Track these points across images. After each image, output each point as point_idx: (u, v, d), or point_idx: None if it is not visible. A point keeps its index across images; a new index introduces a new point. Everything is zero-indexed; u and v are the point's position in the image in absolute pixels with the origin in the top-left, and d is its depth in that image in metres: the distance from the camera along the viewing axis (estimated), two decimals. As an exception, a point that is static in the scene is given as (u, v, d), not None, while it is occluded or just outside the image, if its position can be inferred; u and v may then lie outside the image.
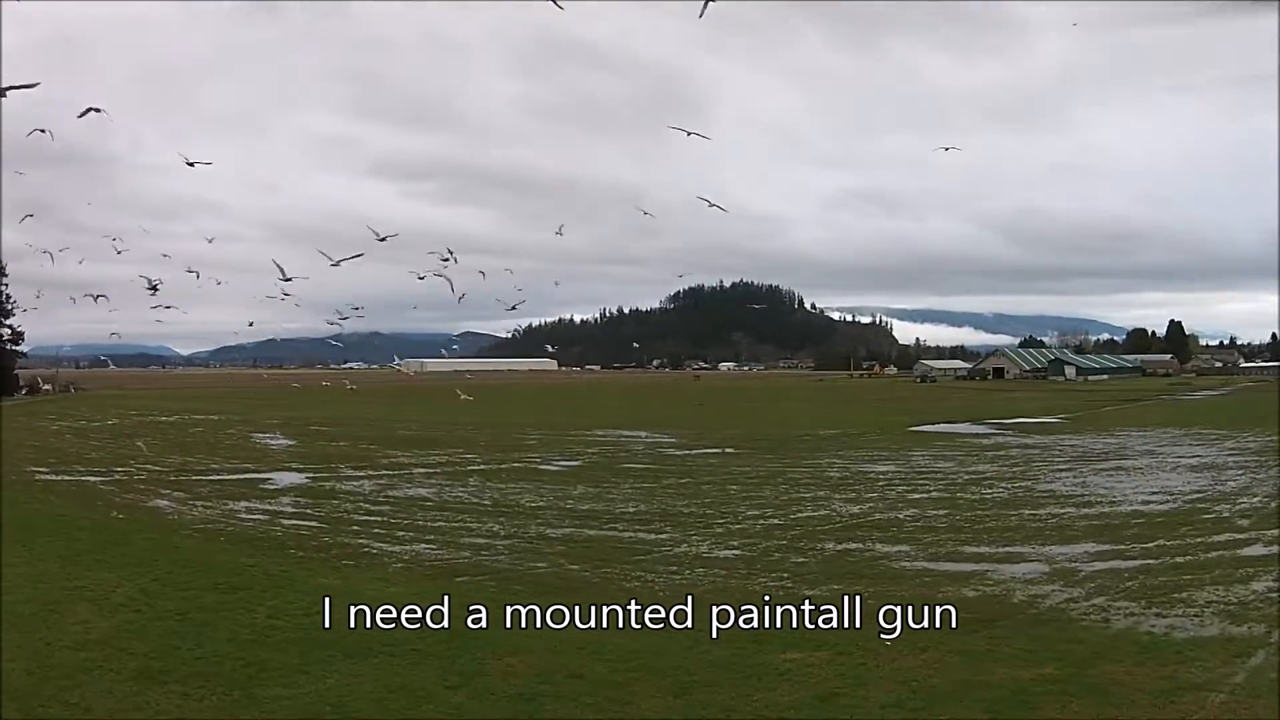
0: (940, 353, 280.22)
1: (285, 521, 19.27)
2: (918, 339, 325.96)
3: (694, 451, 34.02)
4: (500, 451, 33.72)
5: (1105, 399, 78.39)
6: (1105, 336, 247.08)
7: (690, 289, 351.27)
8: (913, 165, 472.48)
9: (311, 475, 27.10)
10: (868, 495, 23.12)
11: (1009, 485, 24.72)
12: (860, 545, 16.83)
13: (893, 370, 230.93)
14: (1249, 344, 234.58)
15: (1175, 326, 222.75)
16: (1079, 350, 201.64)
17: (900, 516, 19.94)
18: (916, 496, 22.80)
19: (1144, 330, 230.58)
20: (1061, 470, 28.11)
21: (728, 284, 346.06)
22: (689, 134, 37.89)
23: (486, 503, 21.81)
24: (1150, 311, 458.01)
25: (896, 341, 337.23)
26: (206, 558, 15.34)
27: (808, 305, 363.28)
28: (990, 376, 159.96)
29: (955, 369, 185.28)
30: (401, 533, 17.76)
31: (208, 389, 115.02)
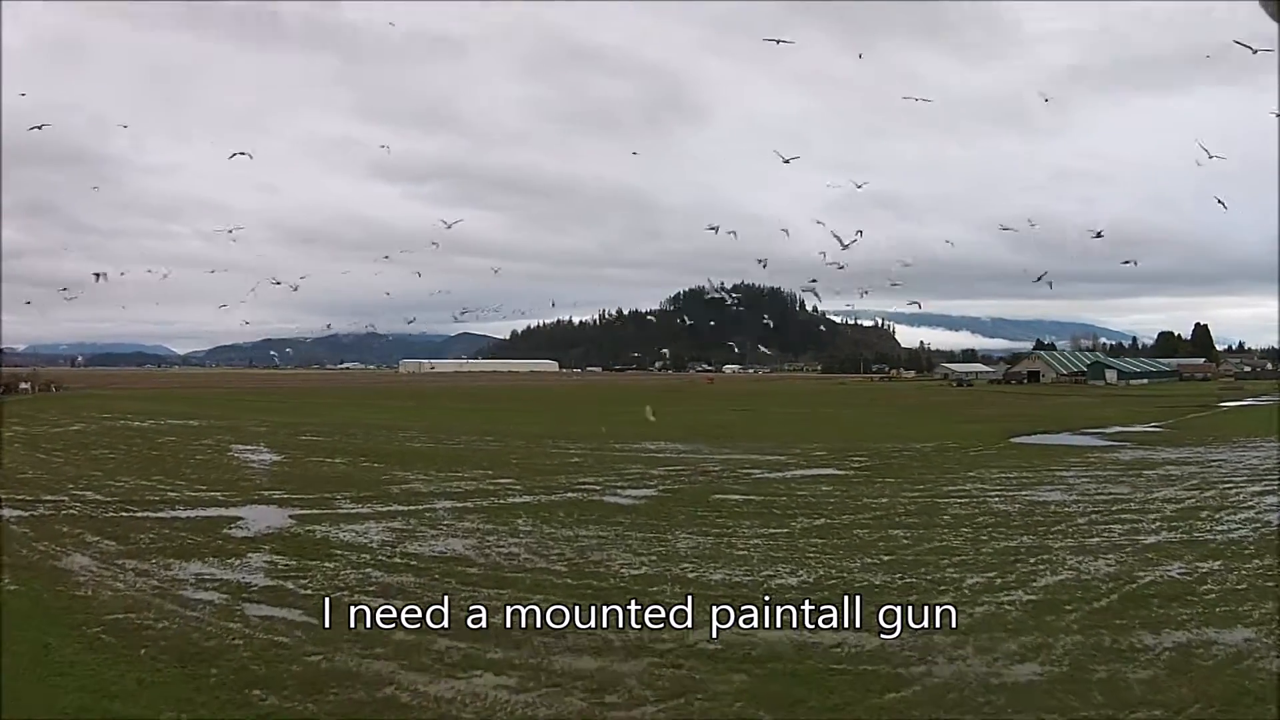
0: (951, 356, 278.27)
1: (252, 609, 12.05)
2: (922, 342, 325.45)
3: (791, 474, 26.74)
4: (542, 475, 26.28)
5: (1173, 404, 71.60)
6: (1111, 341, 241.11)
7: (690, 290, 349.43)
8: (913, 169, 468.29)
9: (298, 513, 19.69)
10: (1087, 539, 17.00)
11: (1231, 513, 19.69)
12: (1195, 633, 10.97)
13: (911, 374, 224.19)
14: (1256, 349, 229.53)
15: (1201, 330, 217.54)
16: (1117, 354, 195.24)
17: (1173, 574, 14.12)
18: (1149, 540, 16.90)
19: (1171, 333, 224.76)
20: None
21: (729, 285, 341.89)
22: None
23: (561, 567, 14.52)
24: (1149, 316, 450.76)
25: (899, 344, 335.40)
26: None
27: (809, 308, 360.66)
28: (1025, 380, 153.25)
29: (979, 372, 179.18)
30: (447, 642, 10.40)
31: (194, 389, 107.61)
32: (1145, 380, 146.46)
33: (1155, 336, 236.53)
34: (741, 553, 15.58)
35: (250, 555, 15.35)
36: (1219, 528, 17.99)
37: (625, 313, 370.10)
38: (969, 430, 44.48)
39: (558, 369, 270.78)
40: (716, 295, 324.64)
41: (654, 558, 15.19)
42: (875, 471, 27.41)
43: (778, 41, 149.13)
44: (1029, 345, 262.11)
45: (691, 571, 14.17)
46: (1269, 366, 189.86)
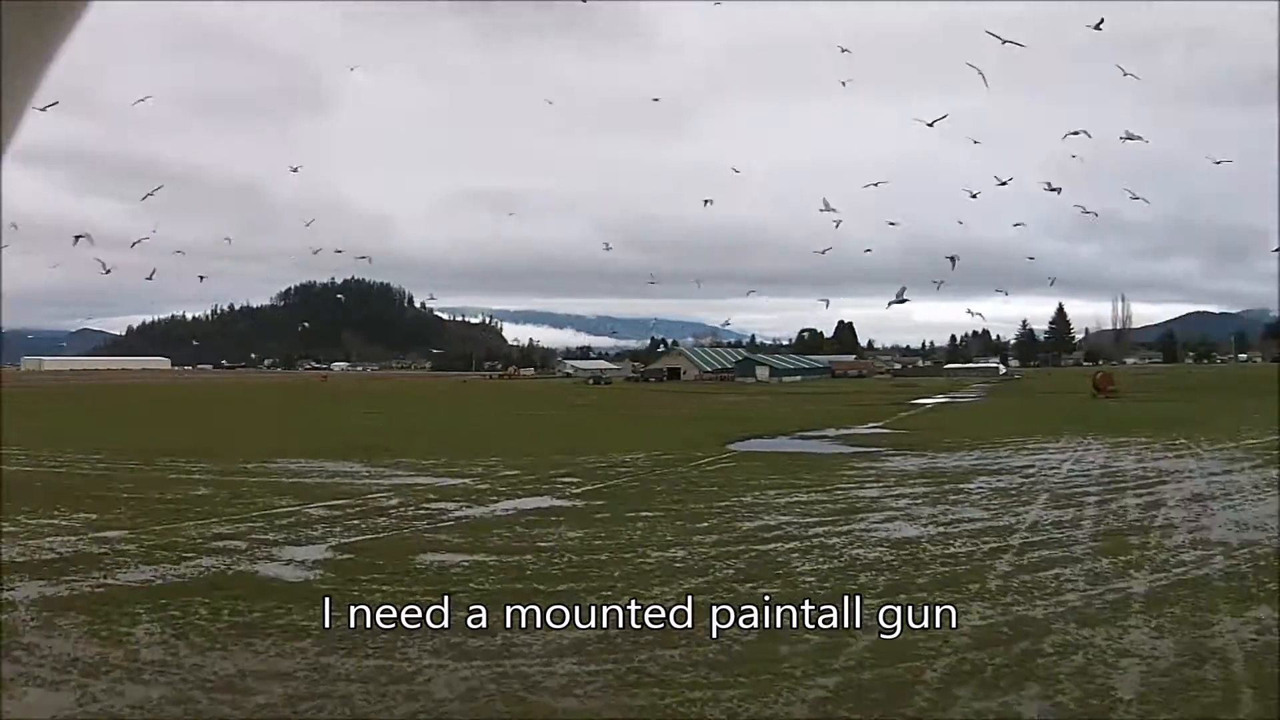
0: (568, 353, 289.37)
1: None
2: (532, 339, 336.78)
3: (501, 508, 20.82)
4: (162, 521, 18.39)
5: (861, 403, 72.57)
6: (730, 340, 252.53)
7: (301, 286, 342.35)
8: (534, 166, 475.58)
9: None
10: (1069, 601, 12.66)
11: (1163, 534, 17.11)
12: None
13: (530, 371, 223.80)
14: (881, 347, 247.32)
15: (846, 327, 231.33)
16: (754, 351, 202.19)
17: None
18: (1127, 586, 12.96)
19: (816, 331, 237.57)
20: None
21: (339, 281, 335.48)
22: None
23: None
24: (762, 316, 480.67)
25: (506, 341, 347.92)
26: None
27: (417, 304, 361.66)
28: (666, 377, 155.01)
29: (608, 370, 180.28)
30: None
31: None
32: (799, 377, 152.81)
33: (771, 337, 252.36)
34: (546, 688, 9.26)
35: None
36: (1183, 556, 14.83)
37: (238, 308, 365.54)
38: (675, 436, 40.23)
39: (170, 366, 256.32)
40: (328, 291, 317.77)
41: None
42: (612, 499, 22.04)
43: None
44: (635, 343, 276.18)
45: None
46: (920, 363, 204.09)
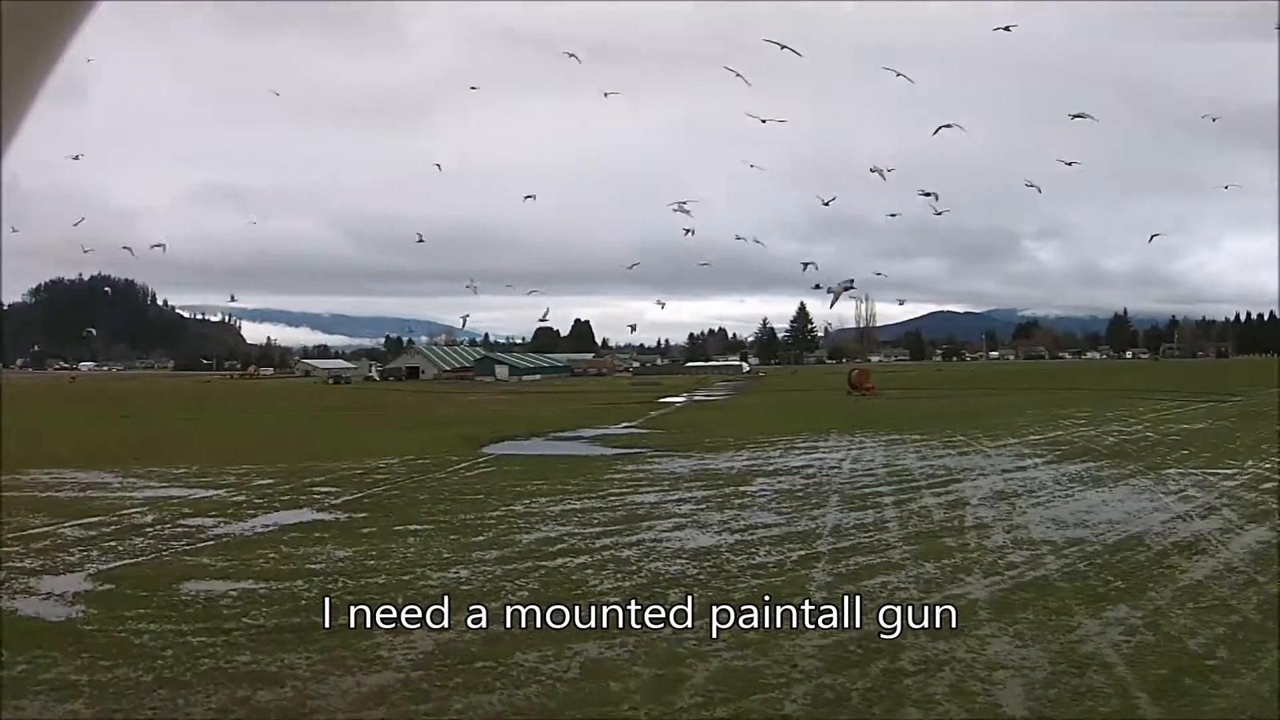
0: (307, 352, 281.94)
1: None
2: (270, 338, 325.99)
3: (260, 523, 18.45)
4: None
5: (609, 401, 70.84)
6: (463, 339, 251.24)
7: (50, 283, 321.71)
8: (268, 162, 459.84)
9: None
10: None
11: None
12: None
13: (270, 370, 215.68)
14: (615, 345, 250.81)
15: (584, 326, 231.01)
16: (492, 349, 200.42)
17: None
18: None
19: (553, 329, 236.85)
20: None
21: (87, 278, 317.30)
22: None
23: None
24: (493, 314, 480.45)
25: (245, 340, 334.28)
26: None
27: (159, 302, 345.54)
28: (406, 376, 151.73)
29: (346, 369, 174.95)
30: None
31: None
32: (538, 376, 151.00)
33: (506, 335, 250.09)
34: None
35: None
36: (1010, 557, 13.31)
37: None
38: (426, 438, 37.72)
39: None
40: (76, 288, 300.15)
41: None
42: (375, 510, 19.93)
43: None
44: (369, 341, 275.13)
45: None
46: (659, 361, 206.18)
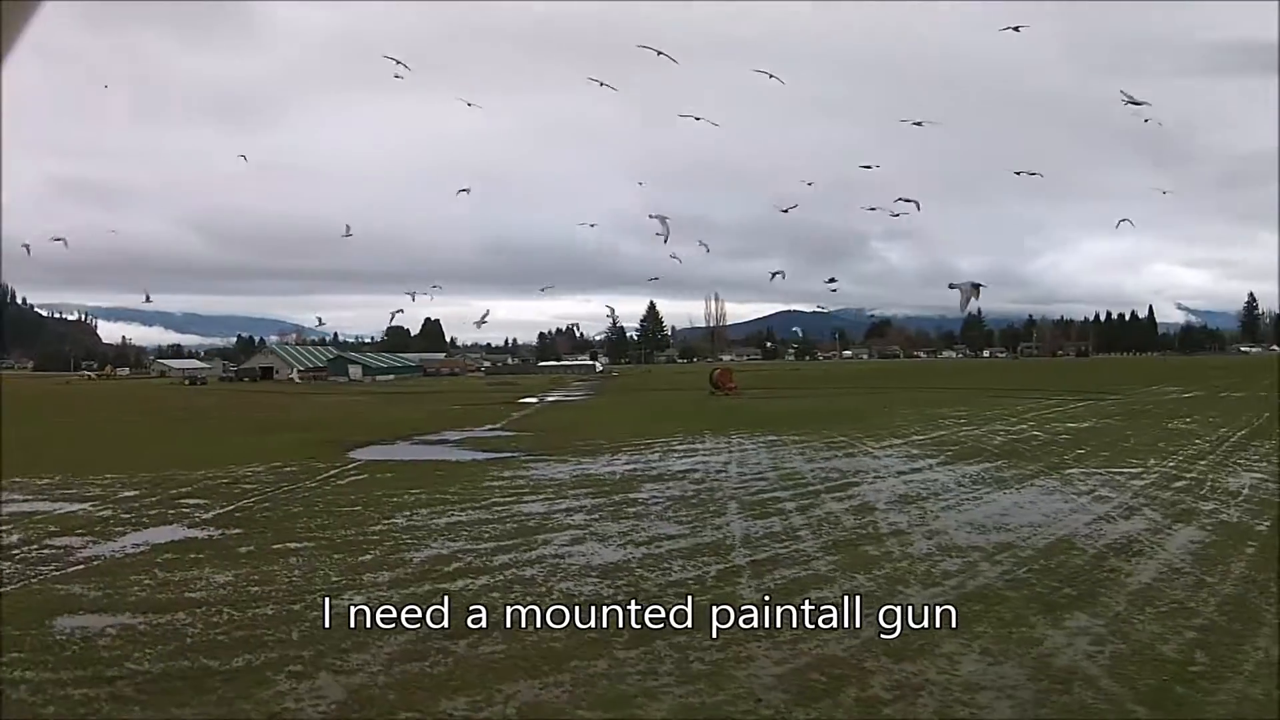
0: (162, 352, 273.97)
1: None
2: (125, 337, 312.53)
3: (128, 544, 16.40)
4: None
5: (472, 402, 68.77)
6: (315, 338, 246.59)
7: None
8: (125, 156, 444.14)
9: None
10: None
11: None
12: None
13: (126, 371, 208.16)
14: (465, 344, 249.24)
15: (434, 325, 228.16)
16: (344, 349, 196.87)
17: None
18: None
19: (403, 328, 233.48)
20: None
21: None
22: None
23: None
24: (343, 314, 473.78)
25: (101, 340, 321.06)
26: None
27: (19, 300, 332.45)
28: (260, 377, 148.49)
29: (199, 369, 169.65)
30: None
31: None
32: (391, 376, 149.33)
33: (356, 335, 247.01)
34: None
35: None
36: (943, 566, 12.47)
37: None
38: (289, 443, 35.46)
39: None
40: None
41: None
42: (249, 525, 18.13)
43: None
44: (221, 341, 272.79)
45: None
46: (510, 360, 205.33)
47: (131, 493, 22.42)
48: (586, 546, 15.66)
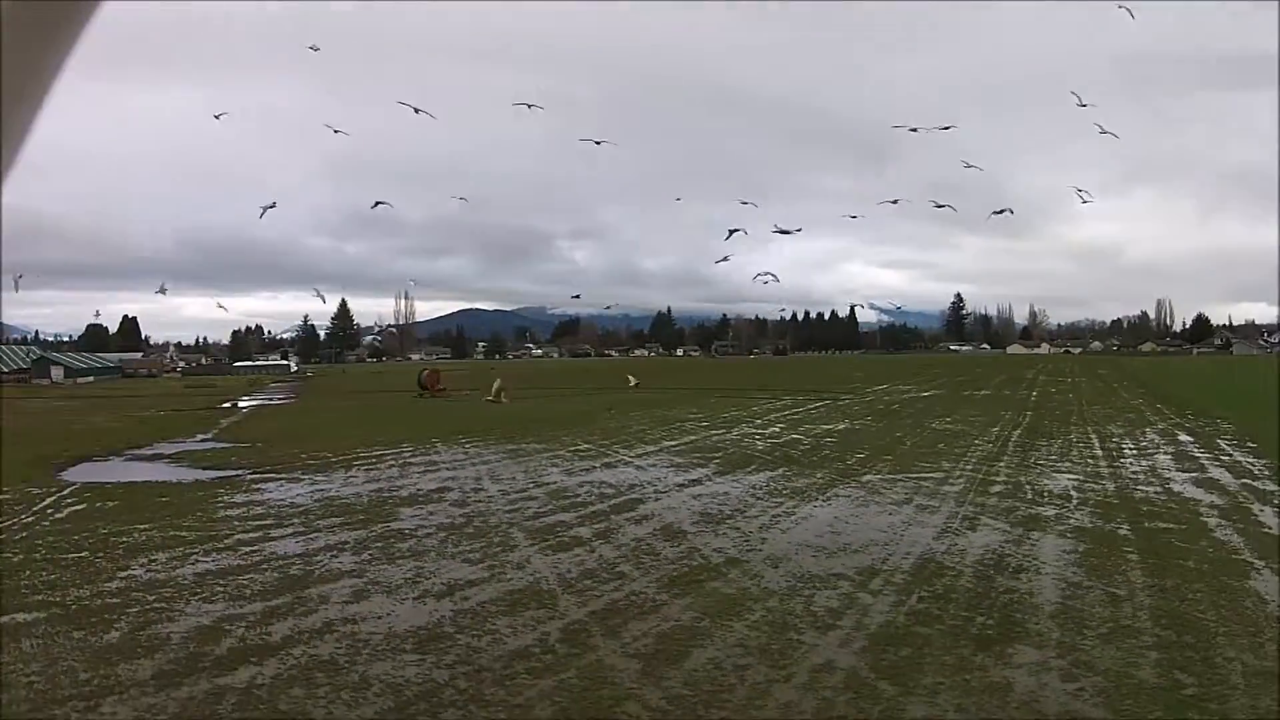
0: None
1: None
2: None
3: None
4: None
5: (166, 407, 62.59)
6: (16, 336, 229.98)
7: None
8: None
9: None
10: None
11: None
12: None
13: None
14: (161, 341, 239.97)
15: (131, 323, 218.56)
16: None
17: None
18: None
19: (103, 327, 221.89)
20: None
21: None
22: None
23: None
24: (39, 310, 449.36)
25: None
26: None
27: None
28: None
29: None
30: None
31: None
32: (92, 377, 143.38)
33: (54, 333, 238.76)
34: None
35: None
36: (822, 600, 10.69)
37: None
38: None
39: None
40: None
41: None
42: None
43: None
44: None
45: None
46: (204, 360, 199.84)
47: None
48: (376, 603, 12.54)
